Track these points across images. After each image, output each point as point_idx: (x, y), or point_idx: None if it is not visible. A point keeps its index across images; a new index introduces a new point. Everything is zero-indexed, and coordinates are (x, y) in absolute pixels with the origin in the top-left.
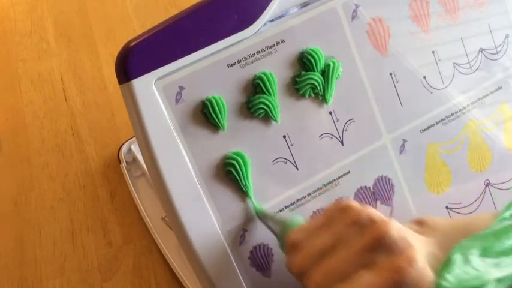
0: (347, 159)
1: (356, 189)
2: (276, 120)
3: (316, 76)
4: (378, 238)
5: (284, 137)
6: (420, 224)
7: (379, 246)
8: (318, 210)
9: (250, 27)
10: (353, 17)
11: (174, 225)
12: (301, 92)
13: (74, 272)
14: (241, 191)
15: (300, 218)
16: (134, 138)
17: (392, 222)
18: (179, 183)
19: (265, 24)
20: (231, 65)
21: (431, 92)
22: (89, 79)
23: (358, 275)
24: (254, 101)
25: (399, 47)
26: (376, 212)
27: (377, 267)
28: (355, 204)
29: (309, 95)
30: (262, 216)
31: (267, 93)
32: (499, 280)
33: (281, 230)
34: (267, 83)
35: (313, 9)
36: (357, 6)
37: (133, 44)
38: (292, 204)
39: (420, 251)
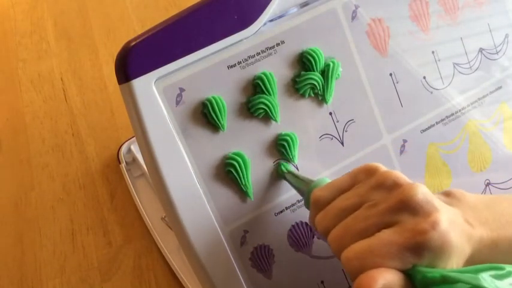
0: (347, 159)
1: None
2: (276, 120)
3: (316, 76)
4: (403, 200)
5: None
6: (447, 195)
7: (404, 208)
8: None
9: (250, 27)
10: (353, 18)
11: (174, 225)
12: (301, 92)
13: (74, 272)
14: (241, 191)
15: (326, 179)
16: (134, 138)
17: (419, 186)
18: (179, 183)
19: (265, 24)
20: (231, 67)
21: (431, 92)
22: (89, 79)
23: (378, 234)
24: (254, 101)
25: (399, 47)
26: (402, 176)
27: (399, 227)
28: (381, 167)
29: (309, 95)
30: (289, 175)
31: (266, 93)
32: None
33: (307, 187)
34: (267, 83)
35: (313, 9)
36: (356, 6)
37: (133, 44)
38: (292, 205)
39: (444, 215)
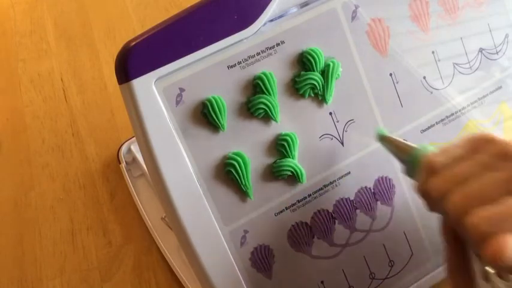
0: (347, 159)
1: (357, 189)
2: (275, 120)
3: (316, 76)
4: None
5: None
6: None
7: None
8: (318, 211)
9: (250, 27)
10: (353, 18)
11: (174, 225)
12: (301, 92)
13: (74, 272)
14: (241, 191)
15: (430, 147)
16: (134, 138)
17: None
18: (179, 183)
19: (265, 24)
20: (231, 67)
21: (431, 92)
22: (89, 79)
23: (504, 199)
24: (254, 101)
25: (399, 47)
26: None
27: None
28: (499, 137)
29: (309, 95)
30: (385, 141)
31: (266, 93)
32: None
33: (412, 154)
34: (267, 83)
35: (313, 9)
36: (356, 6)
37: (133, 44)
38: (292, 205)
39: None
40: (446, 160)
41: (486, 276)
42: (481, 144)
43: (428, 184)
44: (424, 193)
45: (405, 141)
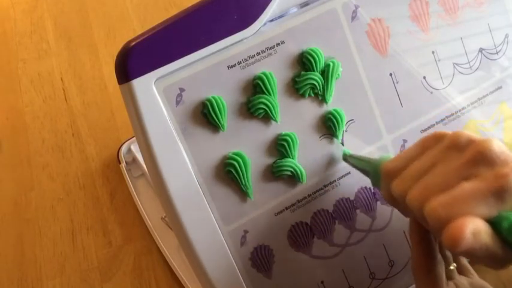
0: None
1: (357, 189)
2: (275, 120)
3: (316, 76)
4: (480, 151)
5: None
6: None
7: (482, 160)
8: (318, 211)
9: (250, 27)
10: (353, 18)
11: (174, 225)
12: (301, 92)
13: (74, 272)
14: (241, 191)
15: (390, 155)
16: (134, 138)
17: (493, 139)
18: (179, 183)
19: (265, 24)
20: (231, 66)
21: (431, 92)
22: (89, 79)
23: (460, 185)
24: (254, 101)
25: (399, 47)
26: (473, 134)
27: (480, 177)
28: (449, 131)
29: (309, 95)
30: (350, 158)
31: (266, 93)
32: None
33: (374, 165)
34: (267, 83)
35: (313, 9)
36: (356, 7)
37: (133, 44)
38: (293, 205)
39: None
40: (401, 163)
41: (449, 275)
42: (432, 142)
43: (390, 189)
44: (390, 199)
45: (366, 156)
